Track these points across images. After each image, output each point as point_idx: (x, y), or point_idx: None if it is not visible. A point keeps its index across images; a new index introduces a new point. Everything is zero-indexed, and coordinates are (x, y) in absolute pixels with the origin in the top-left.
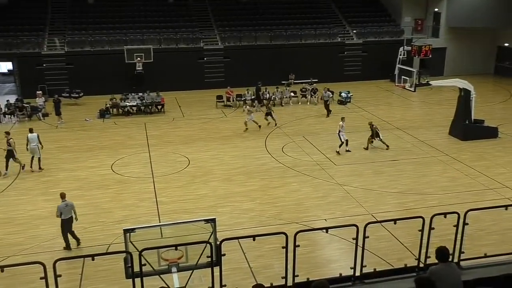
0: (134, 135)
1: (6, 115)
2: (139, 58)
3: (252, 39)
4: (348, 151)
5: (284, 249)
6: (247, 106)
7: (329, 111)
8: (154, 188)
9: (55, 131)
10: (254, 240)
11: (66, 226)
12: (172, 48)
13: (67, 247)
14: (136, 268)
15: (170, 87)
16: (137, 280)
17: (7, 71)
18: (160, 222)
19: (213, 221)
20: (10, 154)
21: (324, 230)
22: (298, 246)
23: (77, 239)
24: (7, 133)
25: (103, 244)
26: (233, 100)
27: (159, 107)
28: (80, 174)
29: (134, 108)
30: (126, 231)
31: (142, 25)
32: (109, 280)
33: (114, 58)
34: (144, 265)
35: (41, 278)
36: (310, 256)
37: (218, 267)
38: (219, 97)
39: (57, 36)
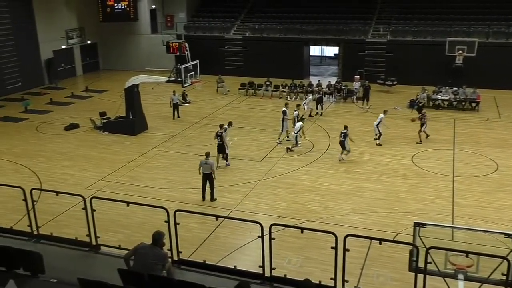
0: (441, 129)
1: (326, 95)
2: (460, 51)
3: None
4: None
5: None
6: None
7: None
8: (453, 188)
9: (364, 115)
10: None
11: (204, 180)
12: (501, 42)
13: (202, 198)
14: (421, 264)
15: (490, 85)
16: (419, 276)
17: (333, 55)
18: (453, 224)
19: None
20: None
21: None
22: None
23: (212, 196)
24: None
25: (391, 232)
26: None
27: (473, 104)
28: (382, 159)
29: (446, 102)
30: (416, 224)
31: (470, 16)
32: (391, 267)
33: (433, 49)
34: (430, 263)
35: (331, 248)
36: None
37: None
38: None
39: (382, 25)
